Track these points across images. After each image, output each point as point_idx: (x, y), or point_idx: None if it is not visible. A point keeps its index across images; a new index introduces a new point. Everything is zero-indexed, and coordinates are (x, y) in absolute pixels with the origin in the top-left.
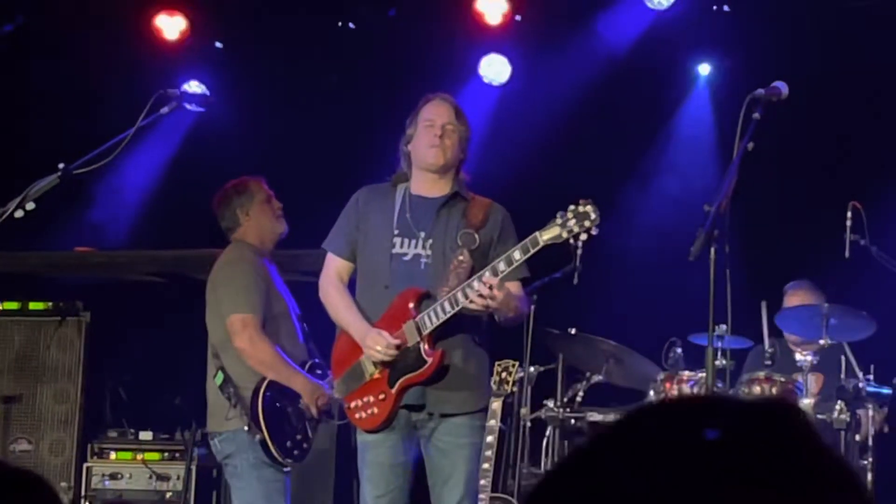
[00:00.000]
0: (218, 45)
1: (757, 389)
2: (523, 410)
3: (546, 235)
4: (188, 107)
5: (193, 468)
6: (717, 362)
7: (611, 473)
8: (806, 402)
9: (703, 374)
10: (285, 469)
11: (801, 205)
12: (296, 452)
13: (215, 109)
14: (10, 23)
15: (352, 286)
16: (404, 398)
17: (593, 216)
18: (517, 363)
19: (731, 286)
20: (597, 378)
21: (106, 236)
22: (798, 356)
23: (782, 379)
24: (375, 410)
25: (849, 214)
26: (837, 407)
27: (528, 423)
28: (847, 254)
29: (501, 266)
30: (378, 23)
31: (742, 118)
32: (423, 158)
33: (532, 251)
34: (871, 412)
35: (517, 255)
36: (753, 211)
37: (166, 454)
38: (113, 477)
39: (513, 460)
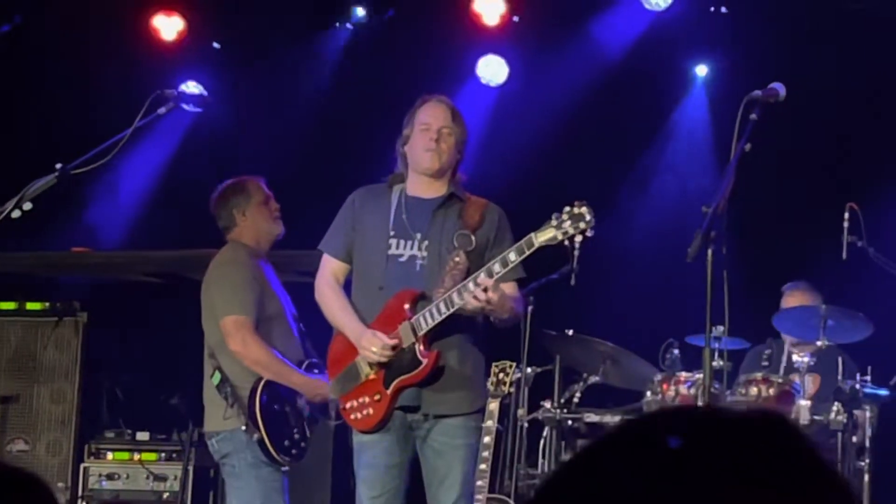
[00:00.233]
0: (215, 45)
1: (754, 390)
2: (520, 411)
3: (541, 237)
4: (185, 107)
5: (191, 468)
6: (715, 363)
7: (611, 475)
8: (803, 404)
9: (701, 376)
10: (283, 468)
11: (799, 206)
12: (294, 451)
13: (213, 110)
14: (8, 23)
15: (347, 287)
16: (401, 400)
17: (588, 218)
18: (514, 364)
19: (729, 287)
20: (594, 379)
21: (103, 236)
22: (795, 357)
23: (779, 380)
24: (371, 411)
25: (846, 216)
26: (834, 408)
27: (525, 424)
28: (844, 255)
29: (497, 267)
30: (376, 23)
31: (739, 119)
32: (419, 162)
33: (527, 252)
34: (868, 413)
35: (512, 256)
36: (751, 212)
37: (163, 454)
38: (110, 477)
39: (510, 461)
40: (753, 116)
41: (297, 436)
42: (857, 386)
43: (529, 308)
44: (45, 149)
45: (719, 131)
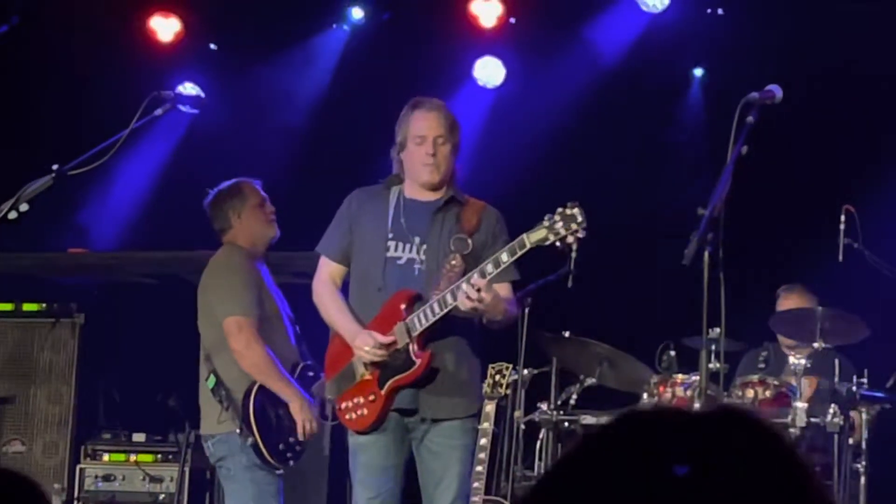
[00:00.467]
0: (212, 46)
1: (750, 393)
2: (517, 413)
3: (533, 237)
4: (182, 108)
5: (187, 470)
6: (711, 365)
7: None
8: (799, 406)
9: (697, 378)
10: (278, 471)
11: (795, 208)
12: (288, 455)
13: (209, 111)
14: (5, 24)
15: (345, 288)
16: (397, 402)
17: (580, 219)
18: (511, 366)
19: (725, 289)
20: (590, 381)
21: (100, 238)
22: (791, 359)
23: (775, 382)
24: (365, 412)
25: (842, 218)
26: (831, 410)
27: (522, 426)
28: (841, 257)
29: (489, 268)
30: (373, 25)
31: (736, 122)
32: (418, 176)
33: (519, 253)
34: (864, 416)
35: (504, 256)
36: (747, 214)
37: (159, 456)
38: (106, 479)
39: (506, 463)
40: (750, 119)
41: (291, 440)
42: (854, 388)
43: (526, 310)
44: (41, 150)
45: (716, 133)
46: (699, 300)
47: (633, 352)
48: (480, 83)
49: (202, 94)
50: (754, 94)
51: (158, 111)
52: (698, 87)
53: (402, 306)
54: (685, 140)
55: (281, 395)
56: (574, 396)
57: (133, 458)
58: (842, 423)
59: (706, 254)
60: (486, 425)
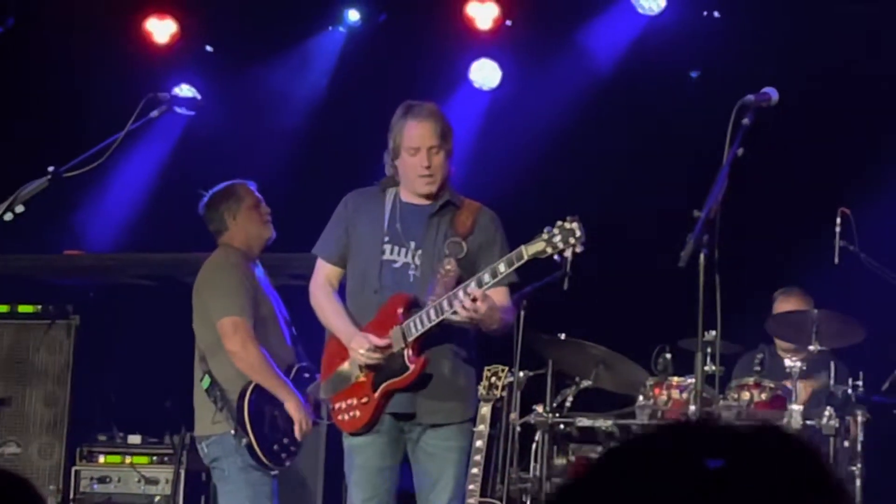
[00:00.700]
0: (208, 48)
1: (746, 395)
2: (512, 415)
3: (531, 249)
4: (178, 110)
5: (182, 472)
6: (707, 368)
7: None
8: (795, 409)
9: (693, 380)
10: (273, 472)
11: (791, 211)
12: (283, 456)
13: (205, 113)
14: (1, 26)
15: (342, 290)
16: (394, 407)
17: (578, 233)
18: (506, 368)
19: (721, 292)
20: (586, 383)
21: (95, 239)
22: (787, 362)
23: (771, 385)
24: (358, 413)
25: (838, 221)
26: (827, 413)
27: (518, 428)
28: (836, 260)
29: (486, 277)
30: (369, 27)
31: (732, 124)
32: (414, 188)
33: (517, 264)
34: (860, 418)
35: (502, 267)
36: (743, 217)
37: (155, 458)
38: (101, 480)
39: (502, 465)
40: (746, 121)
41: (286, 440)
42: (849, 391)
43: (522, 312)
44: (37, 151)
45: (712, 136)
46: (695, 302)
47: (629, 354)
48: (476, 85)
49: (198, 96)
50: (750, 97)
51: (154, 113)
52: (694, 90)
53: (399, 310)
54: (681, 142)
55: (276, 395)
56: (570, 399)
57: (128, 459)
58: (837, 425)
59: (702, 256)
60: (482, 427)
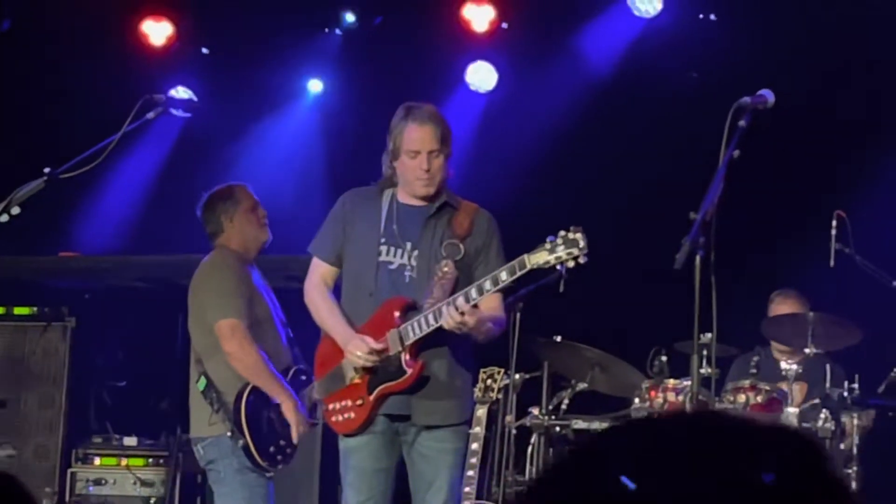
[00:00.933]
0: (204, 50)
1: (742, 398)
2: (508, 418)
3: (534, 259)
4: (174, 112)
5: (178, 474)
6: (703, 370)
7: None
8: (791, 411)
9: (689, 383)
10: (269, 474)
11: (787, 213)
12: (279, 458)
13: (202, 115)
14: None
15: (337, 290)
16: (390, 408)
17: (582, 244)
18: (502, 370)
19: (717, 294)
20: (582, 386)
21: (91, 241)
22: (783, 365)
23: (767, 387)
24: (352, 415)
25: (834, 223)
26: (822, 416)
27: (513, 431)
28: (832, 263)
29: (487, 285)
30: (365, 30)
31: (728, 126)
32: (413, 190)
33: (518, 273)
34: (855, 421)
35: (504, 275)
36: (739, 219)
37: (151, 460)
38: (97, 482)
39: (497, 468)
40: (742, 123)
41: (282, 442)
42: (845, 394)
43: (518, 314)
44: (33, 153)
45: (708, 138)
46: (691, 305)
47: (625, 356)
48: (472, 88)
49: (194, 98)
50: (746, 99)
51: (150, 115)
52: (690, 92)
53: (396, 313)
54: (677, 144)
55: (273, 397)
56: (566, 401)
57: (124, 461)
58: (833, 428)
59: (698, 258)
60: (478, 430)
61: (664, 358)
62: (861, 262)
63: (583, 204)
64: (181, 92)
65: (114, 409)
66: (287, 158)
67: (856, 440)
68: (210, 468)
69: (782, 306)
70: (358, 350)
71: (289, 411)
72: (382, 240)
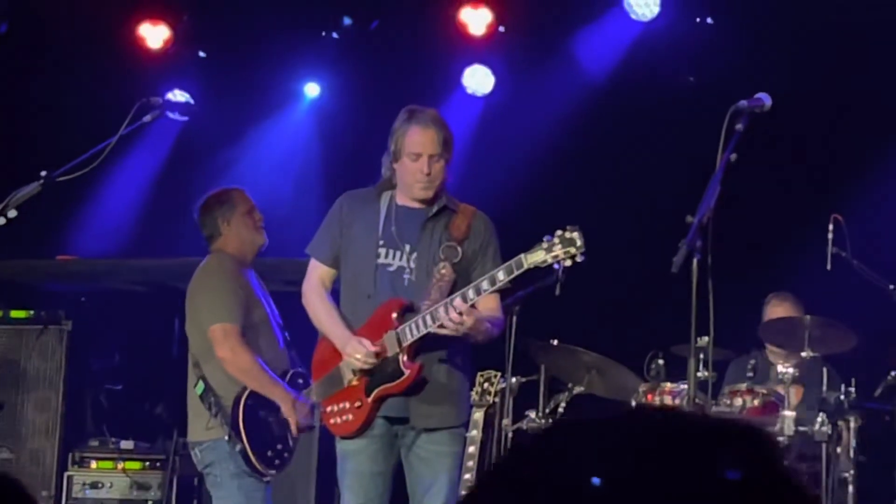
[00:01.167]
0: (201, 54)
1: (739, 401)
2: (505, 421)
3: (531, 259)
4: (171, 115)
5: (174, 477)
6: (700, 374)
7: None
8: (787, 415)
9: (686, 386)
10: (266, 478)
11: (784, 217)
12: (277, 462)
13: (198, 118)
14: None
15: (335, 293)
16: (388, 410)
17: (579, 243)
18: (499, 374)
19: (714, 298)
20: (579, 389)
21: (88, 245)
22: (779, 368)
23: (764, 391)
24: (350, 417)
25: (830, 227)
26: (819, 419)
27: (510, 434)
28: (829, 266)
29: (485, 285)
30: (362, 33)
31: (725, 129)
32: (412, 193)
33: (516, 273)
34: (852, 424)
35: (501, 275)
36: (736, 223)
37: (147, 463)
38: (94, 486)
39: None
40: (739, 126)
41: (279, 446)
42: (842, 397)
43: (514, 317)
44: (30, 156)
45: (705, 141)
46: (687, 308)
47: (622, 360)
48: (469, 91)
49: (191, 101)
50: (743, 102)
51: (147, 118)
52: (687, 95)
53: (394, 315)
54: (674, 148)
55: (271, 398)
56: (562, 404)
57: (121, 465)
58: (830, 431)
59: (695, 261)
60: (475, 433)
61: (661, 361)
62: (857, 266)
63: (579, 207)
64: (178, 95)
65: (110, 412)
66: (284, 162)
67: (852, 443)
68: (207, 472)
69: (778, 309)
70: (356, 352)
71: (288, 411)
72: (381, 242)
